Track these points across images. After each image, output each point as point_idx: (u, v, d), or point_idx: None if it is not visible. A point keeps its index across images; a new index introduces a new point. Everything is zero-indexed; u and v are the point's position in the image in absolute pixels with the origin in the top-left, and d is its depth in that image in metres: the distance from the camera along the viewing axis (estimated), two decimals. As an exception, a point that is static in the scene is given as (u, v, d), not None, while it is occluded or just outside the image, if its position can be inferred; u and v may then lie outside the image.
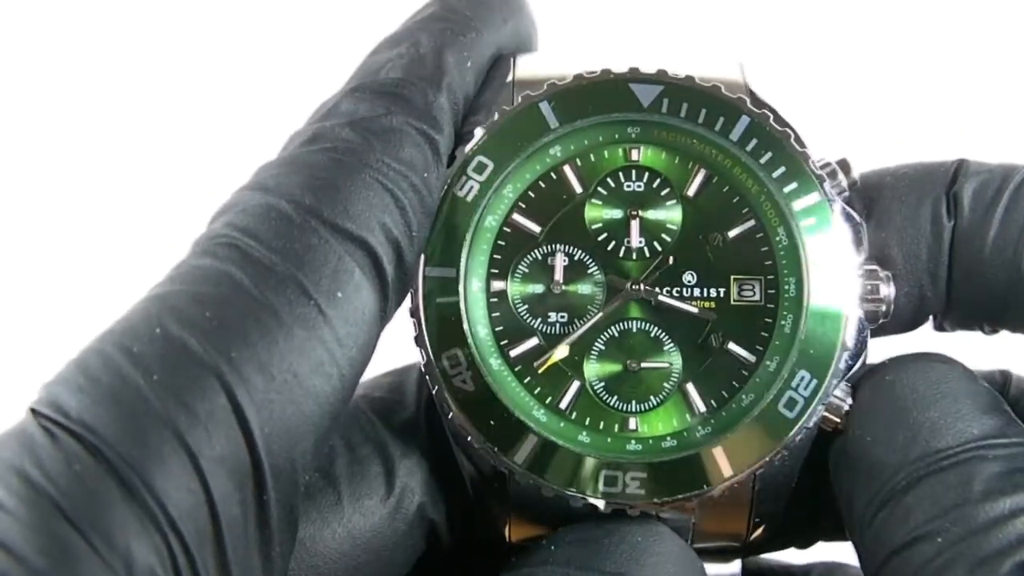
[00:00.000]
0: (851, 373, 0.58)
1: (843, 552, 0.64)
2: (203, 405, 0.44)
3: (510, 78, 0.61)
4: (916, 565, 0.50)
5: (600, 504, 0.56)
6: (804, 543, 0.66)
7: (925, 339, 0.64)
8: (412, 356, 0.60)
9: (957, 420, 0.54)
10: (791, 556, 0.68)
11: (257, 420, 0.45)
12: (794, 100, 0.62)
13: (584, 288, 0.60)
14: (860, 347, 0.58)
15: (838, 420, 0.57)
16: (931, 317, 0.61)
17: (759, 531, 0.60)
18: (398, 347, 0.60)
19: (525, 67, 0.62)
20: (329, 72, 0.59)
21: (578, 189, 0.60)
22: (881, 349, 0.61)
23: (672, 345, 0.59)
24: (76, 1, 1.26)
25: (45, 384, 0.45)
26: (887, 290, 0.58)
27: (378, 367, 0.62)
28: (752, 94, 0.61)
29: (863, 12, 1.22)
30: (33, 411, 0.44)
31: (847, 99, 1.14)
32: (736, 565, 0.63)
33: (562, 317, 0.59)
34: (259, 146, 0.57)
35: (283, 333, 0.47)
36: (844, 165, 0.60)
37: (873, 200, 0.60)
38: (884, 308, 0.58)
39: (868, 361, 0.59)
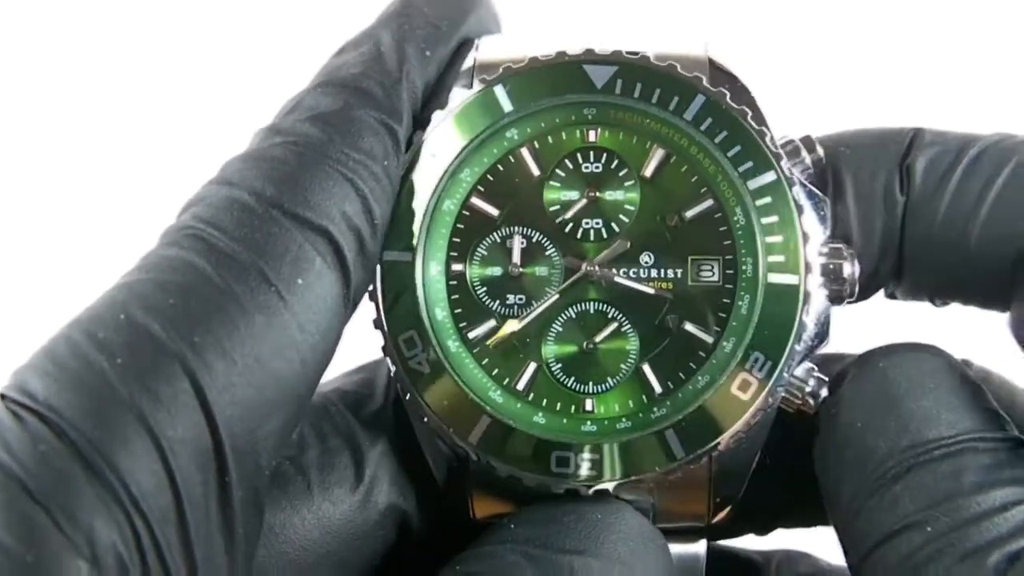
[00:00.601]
0: (814, 353, 0.58)
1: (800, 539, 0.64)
2: (166, 389, 0.46)
3: (471, 62, 0.62)
4: (903, 554, 0.50)
5: (552, 485, 0.56)
6: (763, 528, 0.66)
7: (899, 318, 0.64)
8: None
9: (949, 411, 0.53)
10: (751, 543, 0.68)
11: (219, 403, 0.47)
12: (764, 78, 0.62)
13: (542, 270, 0.60)
14: (823, 327, 0.58)
15: (799, 402, 0.57)
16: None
17: (724, 513, 0.61)
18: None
19: (487, 51, 0.62)
20: (303, 72, 0.60)
21: (535, 172, 0.60)
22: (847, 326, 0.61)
23: (629, 326, 0.59)
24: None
25: (15, 370, 0.47)
26: (850, 269, 0.57)
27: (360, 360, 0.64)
28: (714, 65, 0.60)
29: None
30: (2, 396, 0.46)
31: (817, 76, 1.13)
32: (701, 545, 0.63)
33: (520, 299, 0.59)
34: (230, 143, 0.58)
35: (244, 319, 0.48)
36: (808, 142, 0.60)
37: (827, 172, 0.60)
38: (848, 288, 0.58)
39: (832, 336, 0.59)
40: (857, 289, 0.58)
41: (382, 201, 0.55)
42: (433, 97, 0.60)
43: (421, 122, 0.59)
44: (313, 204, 0.52)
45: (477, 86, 0.59)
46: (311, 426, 0.59)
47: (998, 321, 0.59)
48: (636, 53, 0.59)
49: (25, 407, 0.44)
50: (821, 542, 0.63)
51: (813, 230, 0.58)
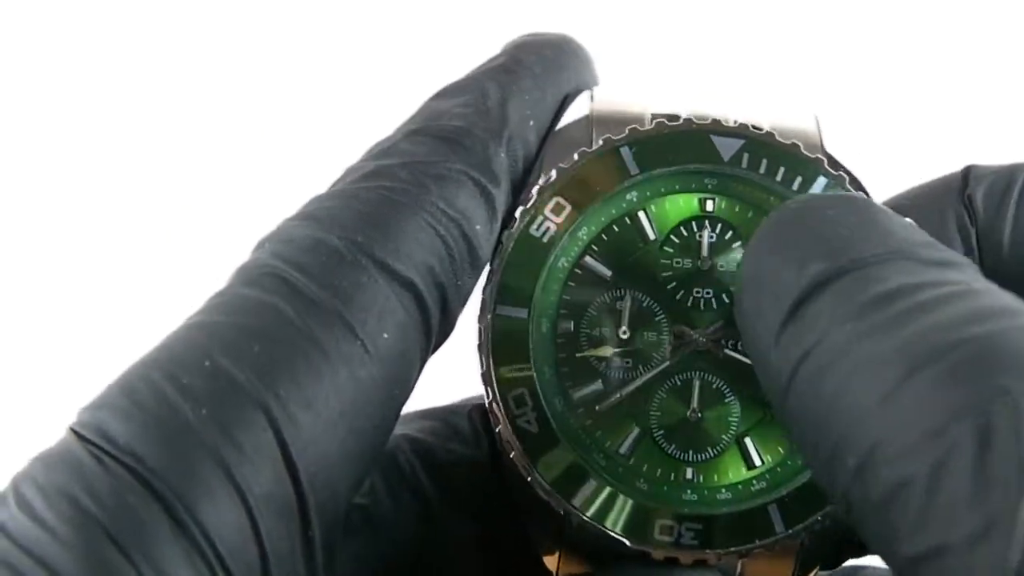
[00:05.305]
0: None
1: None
2: (251, 441, 0.45)
3: (587, 111, 0.62)
4: (824, 361, 0.42)
5: (653, 552, 0.57)
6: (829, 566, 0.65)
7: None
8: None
9: (873, 231, 0.46)
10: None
11: (303, 457, 0.46)
12: (863, 150, 0.63)
13: (650, 335, 0.60)
14: None
15: None
16: None
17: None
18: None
19: (602, 102, 0.62)
20: (341, 108, 0.59)
21: (651, 236, 0.60)
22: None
23: (733, 398, 0.60)
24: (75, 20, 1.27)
25: (87, 407, 0.46)
26: None
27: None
28: (827, 153, 0.61)
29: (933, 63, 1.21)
30: (78, 435, 0.44)
31: (915, 147, 1.13)
32: None
33: (627, 362, 0.60)
34: (258, 174, 0.57)
35: (329, 371, 0.47)
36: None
37: None
38: None
39: None
40: None
41: (467, 264, 0.54)
42: (533, 163, 0.60)
43: (521, 193, 0.59)
44: (403, 255, 0.51)
45: (601, 144, 0.59)
46: (381, 476, 0.59)
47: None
48: (761, 128, 0.59)
49: (106, 452, 0.43)
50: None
51: None
